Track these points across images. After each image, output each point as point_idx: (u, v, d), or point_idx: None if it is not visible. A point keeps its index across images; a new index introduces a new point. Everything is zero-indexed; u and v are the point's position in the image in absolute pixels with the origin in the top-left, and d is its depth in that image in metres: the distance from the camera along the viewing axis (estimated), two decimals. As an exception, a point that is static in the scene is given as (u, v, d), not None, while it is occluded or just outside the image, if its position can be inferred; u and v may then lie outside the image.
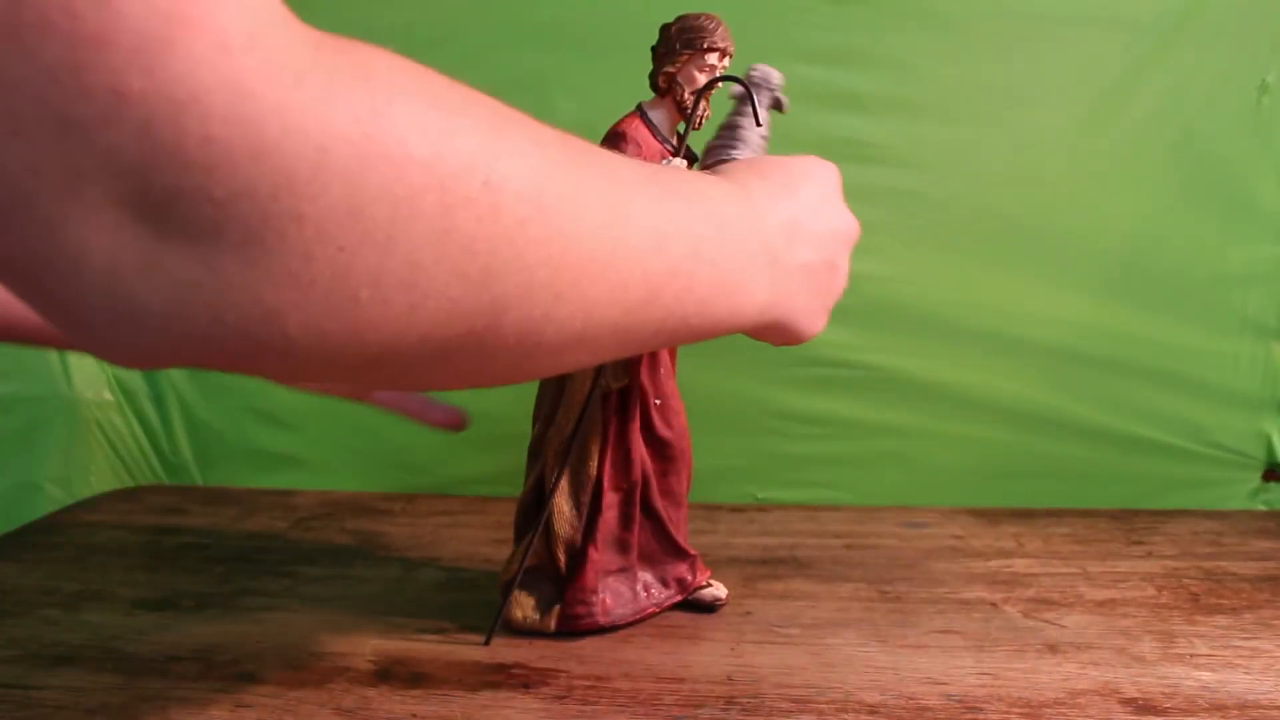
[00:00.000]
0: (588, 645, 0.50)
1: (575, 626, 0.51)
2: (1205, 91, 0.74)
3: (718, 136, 0.47)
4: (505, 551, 0.55)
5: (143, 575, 0.61)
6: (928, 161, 0.75)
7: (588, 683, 0.46)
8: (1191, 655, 0.49)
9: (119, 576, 0.61)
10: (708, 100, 0.49)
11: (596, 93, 0.74)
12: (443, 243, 0.20)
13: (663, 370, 0.53)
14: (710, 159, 0.46)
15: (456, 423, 0.52)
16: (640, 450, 0.52)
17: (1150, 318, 0.77)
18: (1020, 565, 0.63)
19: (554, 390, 0.52)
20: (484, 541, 0.68)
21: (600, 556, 0.52)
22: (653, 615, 0.53)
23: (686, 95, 0.49)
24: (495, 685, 0.46)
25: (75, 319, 0.18)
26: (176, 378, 0.83)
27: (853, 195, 0.40)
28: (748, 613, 0.55)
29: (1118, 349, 0.77)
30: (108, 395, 0.82)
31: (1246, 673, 0.47)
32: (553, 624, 0.51)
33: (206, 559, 0.64)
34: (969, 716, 0.42)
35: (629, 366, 0.51)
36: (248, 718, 0.43)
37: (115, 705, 0.44)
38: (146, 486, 0.84)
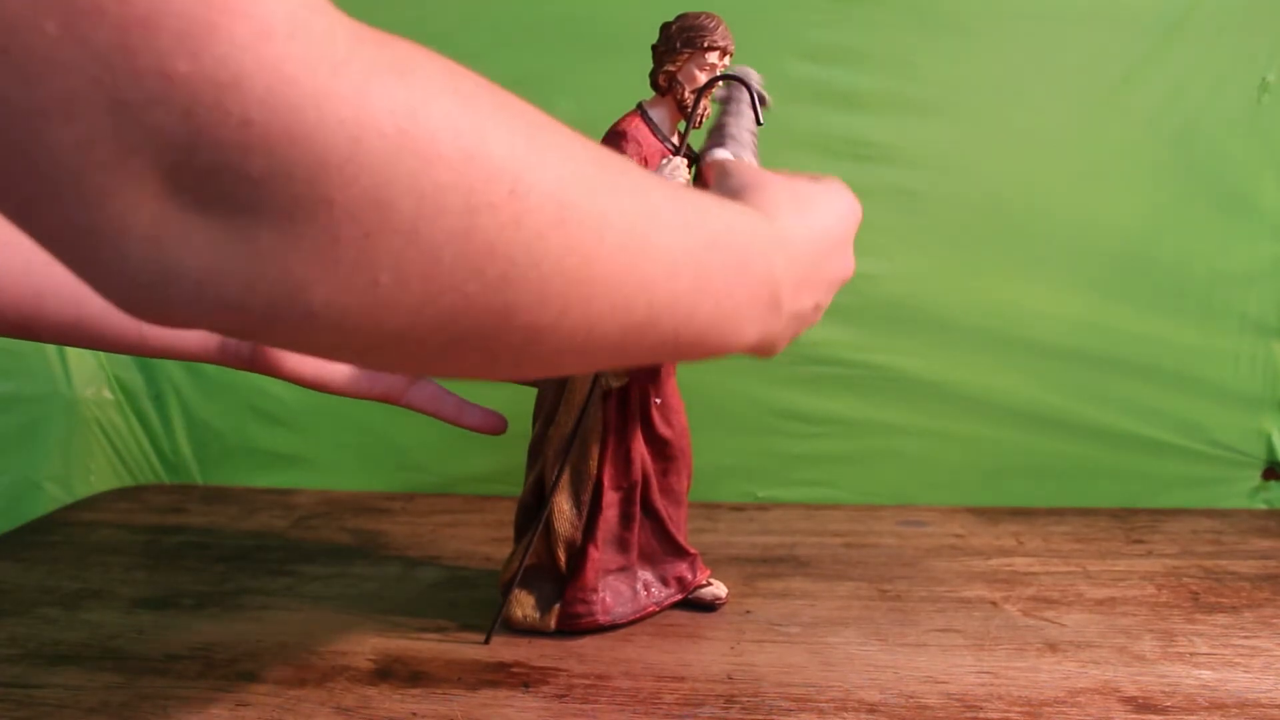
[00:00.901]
0: (588, 644, 0.50)
1: (575, 625, 0.51)
2: (1205, 90, 0.74)
3: (709, 139, 0.47)
4: (505, 550, 0.55)
5: (142, 574, 0.61)
6: (927, 160, 0.75)
7: (587, 681, 0.46)
8: (1191, 654, 0.49)
9: (119, 575, 0.61)
10: (708, 99, 0.49)
11: (596, 92, 0.74)
12: (464, 241, 0.20)
13: (663, 369, 0.53)
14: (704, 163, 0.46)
15: (495, 426, 0.51)
16: (640, 449, 0.52)
17: (1150, 316, 0.77)
18: (1020, 564, 0.63)
19: (554, 389, 0.52)
20: (484, 540, 0.68)
21: (600, 555, 0.52)
22: (653, 614, 0.54)
23: (687, 94, 0.49)
24: (495, 684, 0.46)
25: (115, 282, 0.19)
26: (177, 377, 0.83)
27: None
28: (748, 611, 0.55)
29: (1117, 347, 0.77)
30: (107, 394, 0.82)
31: (1246, 671, 0.47)
32: (553, 623, 0.51)
33: (206, 558, 0.64)
34: (969, 715, 0.42)
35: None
36: (248, 717, 0.43)
37: (115, 704, 0.44)
38: (146, 485, 0.84)
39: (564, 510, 0.51)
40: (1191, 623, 0.53)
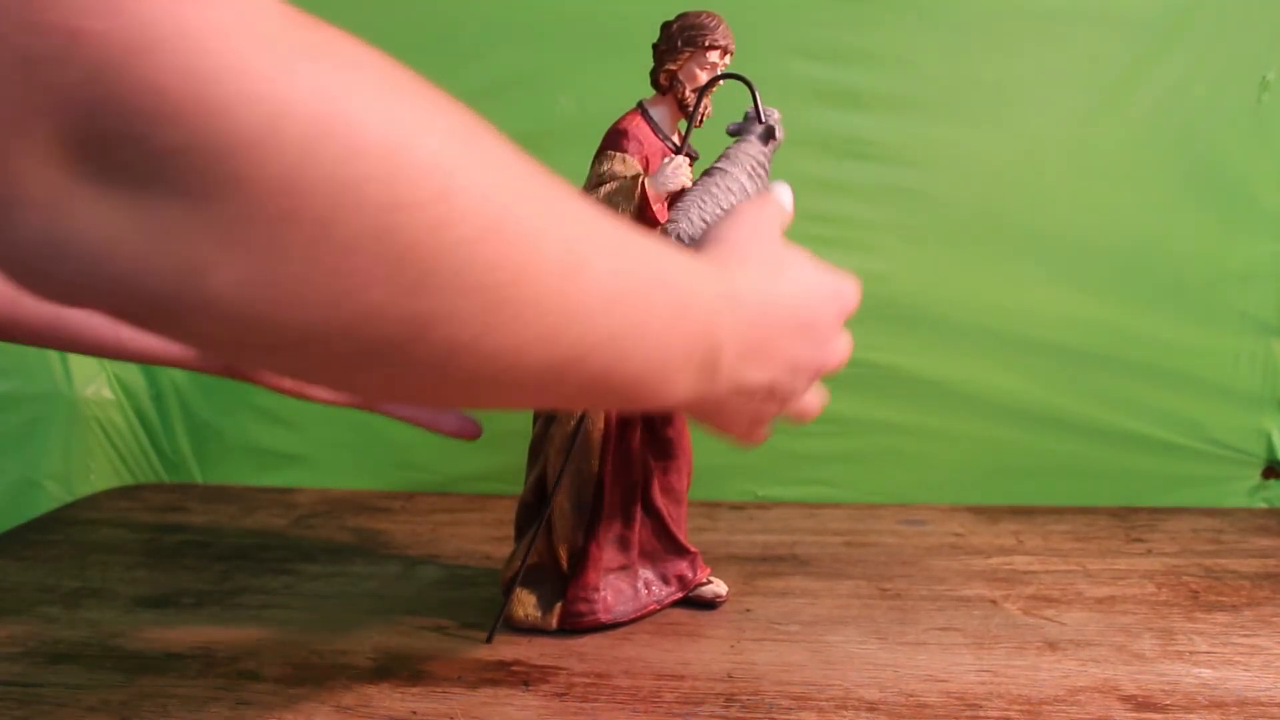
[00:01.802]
0: (588, 643, 0.50)
1: (577, 624, 0.51)
2: (1206, 89, 0.74)
3: (711, 169, 0.44)
4: (505, 549, 0.55)
5: (143, 573, 0.61)
6: (928, 159, 0.75)
7: (588, 680, 0.46)
8: (1191, 652, 0.49)
9: (119, 574, 0.61)
10: (709, 98, 0.49)
11: (597, 91, 0.74)
12: (382, 240, 0.19)
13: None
14: (698, 191, 0.43)
15: (470, 432, 0.50)
16: (641, 448, 0.52)
17: (1150, 315, 0.77)
18: (1020, 562, 0.63)
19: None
20: (484, 539, 0.68)
21: (602, 554, 0.52)
22: (654, 612, 0.54)
23: (688, 93, 0.49)
24: (495, 682, 0.46)
25: (3, 252, 0.18)
26: (177, 376, 0.83)
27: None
28: (748, 610, 0.55)
29: (1118, 346, 0.77)
30: (107, 393, 0.82)
31: (1246, 670, 0.47)
32: (555, 622, 0.51)
33: (206, 556, 0.64)
34: (968, 713, 0.42)
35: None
36: (248, 715, 0.43)
37: (115, 702, 0.44)
38: (146, 484, 0.84)
39: (565, 509, 0.51)
40: (1191, 621, 0.53)
